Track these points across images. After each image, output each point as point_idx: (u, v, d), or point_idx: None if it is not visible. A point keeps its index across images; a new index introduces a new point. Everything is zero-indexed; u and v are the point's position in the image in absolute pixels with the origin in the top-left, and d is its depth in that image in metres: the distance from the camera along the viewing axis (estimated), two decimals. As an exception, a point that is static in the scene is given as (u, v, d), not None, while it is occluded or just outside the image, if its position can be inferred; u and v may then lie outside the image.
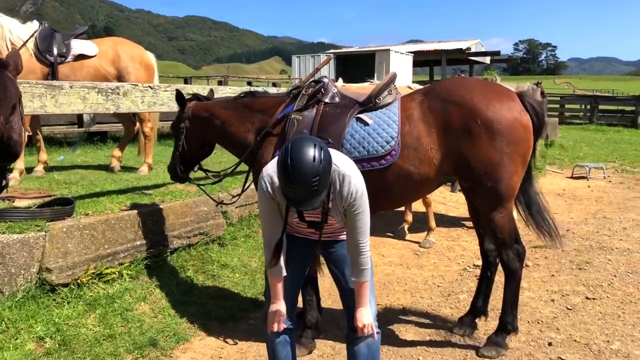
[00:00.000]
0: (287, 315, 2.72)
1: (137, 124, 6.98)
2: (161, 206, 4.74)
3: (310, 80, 3.85)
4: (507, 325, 3.58)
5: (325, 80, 3.69)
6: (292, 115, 3.55)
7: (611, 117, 24.15)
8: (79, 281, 3.92)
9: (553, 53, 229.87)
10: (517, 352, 3.61)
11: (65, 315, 3.68)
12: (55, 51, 6.07)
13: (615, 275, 5.02)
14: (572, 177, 10.54)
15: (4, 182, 2.61)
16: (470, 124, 3.29)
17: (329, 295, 4.54)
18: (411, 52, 18.60)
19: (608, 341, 3.74)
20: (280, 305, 2.65)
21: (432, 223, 6.27)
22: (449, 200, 8.19)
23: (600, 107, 24.70)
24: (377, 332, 2.70)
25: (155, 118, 7.24)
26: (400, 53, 17.17)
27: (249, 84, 16.94)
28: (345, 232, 2.67)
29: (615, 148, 14.32)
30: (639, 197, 8.66)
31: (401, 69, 16.05)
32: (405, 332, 3.98)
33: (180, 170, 4.22)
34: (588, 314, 4.21)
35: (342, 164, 2.52)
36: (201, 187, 4.41)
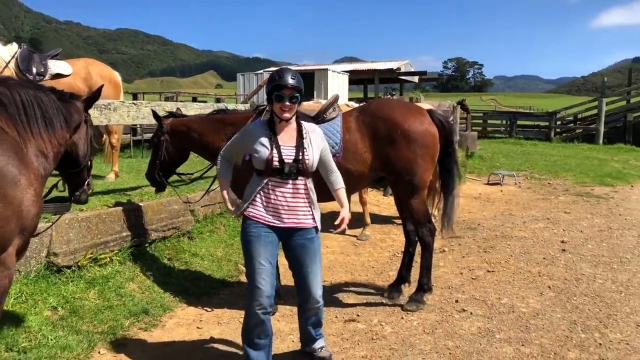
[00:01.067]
0: (270, 296, 3.36)
1: (105, 135, 7.74)
2: (141, 204, 5.60)
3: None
4: (423, 285, 4.72)
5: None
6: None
7: (528, 131, 26.40)
8: (79, 264, 4.74)
9: (480, 71, 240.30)
10: (432, 307, 4.74)
11: (71, 291, 4.49)
12: (34, 70, 6.79)
13: (511, 256, 6.32)
14: (488, 184, 12.03)
15: (86, 184, 3.43)
16: (393, 133, 4.43)
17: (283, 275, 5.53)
18: (347, 72, 19.99)
19: (499, 298, 4.95)
20: (230, 193, 3.71)
21: (368, 219, 7.40)
22: (381, 202, 9.37)
23: (519, 122, 26.94)
24: (321, 304, 3.56)
25: (120, 130, 8.03)
26: (337, 72, 18.50)
27: (194, 99, 17.72)
28: (307, 217, 3.43)
29: (528, 159, 16.07)
30: (541, 199, 10.18)
31: (338, 87, 17.33)
32: (347, 298, 5.03)
33: (159, 176, 5.14)
34: (487, 281, 5.43)
35: (313, 125, 3.64)
36: (175, 188, 5.34)
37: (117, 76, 7.75)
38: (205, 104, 9.96)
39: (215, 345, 4.11)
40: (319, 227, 3.52)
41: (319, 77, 17.16)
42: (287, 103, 3.32)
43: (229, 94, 20.91)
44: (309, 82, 16.89)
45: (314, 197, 3.49)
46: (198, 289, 5.20)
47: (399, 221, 7.85)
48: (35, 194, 2.63)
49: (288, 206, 3.40)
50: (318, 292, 3.52)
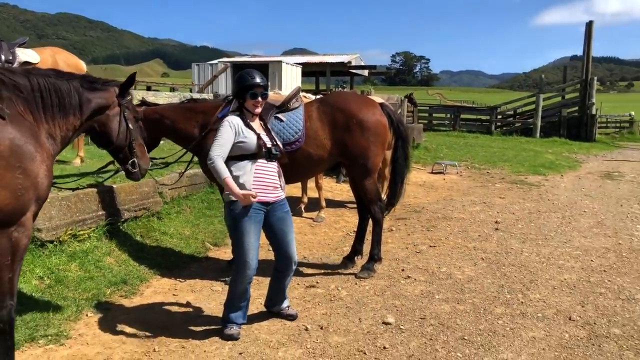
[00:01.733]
0: (255, 270, 3.97)
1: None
2: (114, 186, 6.00)
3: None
4: (374, 256, 5.38)
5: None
6: (230, 115, 5.08)
7: (471, 125, 27.72)
8: (60, 239, 5.13)
9: (427, 65, 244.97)
10: (382, 274, 5.41)
11: (55, 263, 4.89)
12: (2, 58, 7.01)
13: (450, 233, 7.08)
14: (432, 173, 12.88)
15: (129, 163, 3.80)
16: (349, 122, 5.04)
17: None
18: (299, 64, 20.54)
19: (439, 267, 5.68)
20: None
21: (323, 203, 8.01)
22: (334, 189, 10.01)
23: (462, 116, 28.25)
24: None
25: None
26: (290, 64, 19.03)
27: (149, 88, 17.85)
28: (282, 190, 4.11)
29: (469, 150, 17.11)
30: (479, 186, 11.08)
31: (291, 79, 17.87)
32: (307, 269, 5.62)
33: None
34: (429, 254, 6.15)
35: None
36: (149, 173, 5.76)
37: (82, 65, 8.03)
38: (173, 92, 10.30)
39: (191, 309, 4.61)
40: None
41: (273, 69, 17.64)
42: (260, 99, 3.99)
43: (185, 84, 21.06)
44: (263, 74, 17.18)
45: (281, 172, 4.19)
46: (170, 263, 5.67)
47: (351, 205, 8.53)
48: (47, 169, 3.08)
49: (272, 183, 4.03)
50: (295, 257, 4.19)
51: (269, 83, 17.07)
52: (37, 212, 3.12)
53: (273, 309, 4.39)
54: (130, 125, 3.64)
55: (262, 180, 3.98)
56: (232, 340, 3.93)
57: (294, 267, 4.22)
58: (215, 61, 19.94)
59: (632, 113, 32.90)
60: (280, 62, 18.26)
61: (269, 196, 4.01)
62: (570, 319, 4.45)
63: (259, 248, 4.05)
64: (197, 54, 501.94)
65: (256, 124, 4.11)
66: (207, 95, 10.41)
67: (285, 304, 4.36)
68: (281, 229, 4.10)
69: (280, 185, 4.12)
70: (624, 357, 3.82)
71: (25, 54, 7.28)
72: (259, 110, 4.04)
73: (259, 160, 3.97)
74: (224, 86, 17.18)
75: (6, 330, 2.98)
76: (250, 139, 3.94)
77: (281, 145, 4.16)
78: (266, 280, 4.62)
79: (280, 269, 4.24)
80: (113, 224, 5.84)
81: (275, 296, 4.35)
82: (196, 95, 9.34)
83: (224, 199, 4.09)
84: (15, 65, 7.12)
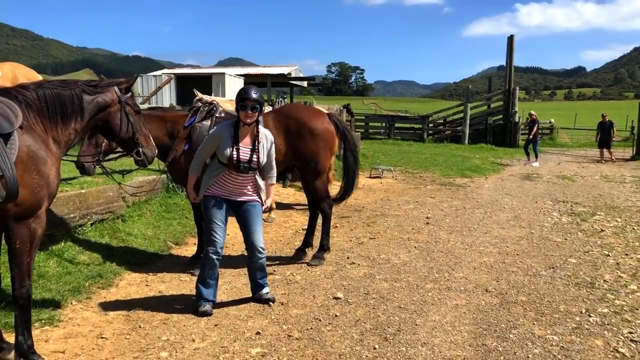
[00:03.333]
0: (221, 246, 4.68)
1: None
2: (83, 191, 6.52)
3: (205, 101, 6.03)
4: (324, 246, 6.18)
5: (215, 102, 5.97)
6: (196, 124, 5.75)
7: (405, 133, 29.15)
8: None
9: (362, 76, 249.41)
10: (330, 262, 6.22)
11: (35, 261, 5.34)
12: (-35, 72, 7.37)
13: (388, 228, 8.00)
14: (370, 177, 13.86)
15: (134, 152, 4.31)
16: (301, 130, 5.83)
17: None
18: (242, 75, 21.23)
19: (379, 255, 6.55)
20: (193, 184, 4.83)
21: (273, 205, 8.74)
22: (281, 193, 10.75)
23: (397, 125, 29.67)
24: (264, 255, 4.84)
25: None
26: (233, 76, 19.68)
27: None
28: (250, 193, 4.69)
29: (403, 156, 18.28)
30: (413, 188, 12.14)
31: (234, 90, 18.46)
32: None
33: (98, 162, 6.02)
34: (370, 245, 7.02)
35: (267, 130, 4.86)
36: (111, 177, 6.30)
37: (40, 78, 8.43)
38: None
39: (164, 295, 5.23)
40: (262, 202, 4.81)
41: (216, 80, 18.22)
42: (249, 112, 4.50)
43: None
44: (207, 85, 17.92)
45: (261, 183, 4.76)
46: (138, 260, 6.24)
47: (298, 207, 9.32)
48: (56, 171, 3.68)
49: (239, 190, 4.66)
50: (259, 244, 4.76)
51: (212, 94, 17.65)
52: (49, 206, 3.71)
53: (254, 295, 4.96)
54: (131, 119, 4.20)
55: (226, 186, 4.64)
56: (207, 316, 4.60)
57: (260, 255, 4.78)
58: (159, 72, 20.27)
59: (552, 120, 35.32)
60: (224, 74, 18.90)
61: (230, 196, 4.67)
62: (486, 290, 5.39)
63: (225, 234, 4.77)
64: (128, 63, 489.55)
65: (247, 137, 4.62)
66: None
67: (265, 290, 4.94)
68: (246, 219, 4.74)
69: (254, 193, 4.73)
70: (527, 316, 4.76)
71: (-13, 69, 7.64)
72: (249, 120, 4.52)
73: (229, 170, 4.59)
74: (168, 98, 17.60)
75: (25, 305, 3.56)
76: (225, 150, 4.53)
77: (260, 162, 4.63)
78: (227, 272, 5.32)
79: (248, 255, 4.88)
80: (83, 225, 6.36)
81: (253, 281, 4.94)
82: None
83: (192, 197, 4.88)
84: (-23, 80, 7.48)
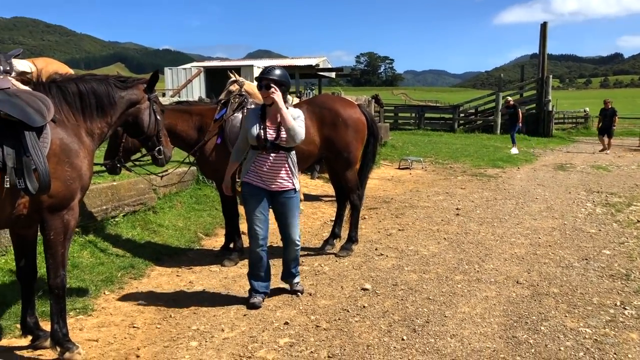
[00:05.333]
0: (264, 238, 4.65)
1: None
2: (115, 183, 6.65)
3: (235, 93, 6.05)
4: (352, 237, 6.17)
5: (245, 93, 5.99)
6: (229, 116, 5.77)
7: (435, 123, 28.84)
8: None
9: (391, 66, 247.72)
10: (358, 253, 6.21)
11: (70, 252, 5.49)
12: (1, 69, 7.55)
13: (417, 219, 7.94)
14: (399, 168, 13.77)
15: (156, 150, 4.36)
16: (336, 120, 5.81)
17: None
18: (270, 67, 21.28)
19: (407, 246, 6.51)
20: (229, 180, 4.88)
21: (301, 196, 8.76)
22: (310, 184, 10.78)
23: (427, 115, 29.37)
24: (299, 245, 4.86)
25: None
26: (262, 68, 19.72)
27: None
28: (287, 182, 4.57)
29: (433, 147, 18.11)
30: (442, 179, 12.02)
31: (263, 82, 18.57)
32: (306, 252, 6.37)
33: (120, 162, 5.92)
34: (399, 237, 6.98)
35: (296, 109, 4.71)
36: (138, 172, 6.36)
37: (71, 71, 8.58)
38: (164, 97, 10.88)
39: (194, 286, 5.30)
40: (297, 189, 4.70)
41: (245, 72, 18.27)
42: (264, 90, 4.48)
43: (157, 89, 21.24)
44: (235, 77, 17.93)
45: (294, 167, 4.65)
46: (169, 251, 6.34)
47: (326, 199, 9.33)
48: (89, 163, 3.75)
49: (271, 174, 4.56)
50: (295, 237, 4.76)
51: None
52: (82, 199, 3.79)
53: (285, 281, 5.01)
54: (158, 117, 4.26)
55: (261, 170, 4.58)
56: (255, 309, 4.58)
57: (295, 248, 4.79)
58: (189, 65, 20.47)
59: (587, 109, 34.50)
60: (252, 66, 19.00)
61: (265, 184, 4.58)
62: (517, 282, 5.31)
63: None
64: (159, 57, 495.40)
65: (275, 116, 4.53)
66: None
67: (296, 280, 4.96)
68: (281, 212, 4.70)
69: (288, 179, 4.61)
70: (559, 308, 4.67)
71: (21, 65, 7.80)
72: (267, 101, 4.50)
73: (260, 152, 4.56)
74: (198, 90, 17.75)
75: (60, 294, 3.65)
76: (252, 130, 4.52)
77: (291, 140, 4.50)
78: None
79: (284, 245, 4.89)
80: (115, 217, 6.49)
81: (285, 269, 4.96)
82: (166, 101, 9.91)
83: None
84: (13, 75, 7.67)
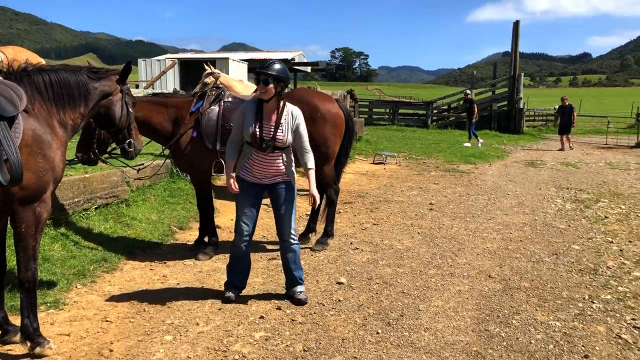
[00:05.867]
0: (249, 234, 4.56)
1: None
2: (87, 175, 6.54)
3: (212, 86, 5.99)
4: (328, 232, 6.19)
5: (223, 86, 5.94)
6: (205, 109, 5.71)
7: (409, 119, 29.01)
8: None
9: (366, 61, 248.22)
10: (333, 247, 6.24)
11: (40, 244, 5.39)
12: (-32, 57, 7.36)
13: (391, 214, 8.00)
14: (373, 163, 13.84)
15: (126, 143, 4.29)
16: (314, 115, 5.80)
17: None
18: (245, 60, 21.15)
19: (382, 240, 6.56)
20: (233, 175, 4.50)
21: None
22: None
23: (400, 111, 29.54)
24: (297, 242, 4.63)
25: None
26: (237, 61, 19.62)
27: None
28: (281, 174, 4.45)
29: (407, 143, 18.25)
30: (416, 174, 12.13)
31: (238, 75, 18.43)
32: (268, 245, 6.36)
33: (94, 154, 5.79)
34: (373, 231, 7.03)
35: (295, 106, 4.58)
36: (110, 163, 6.25)
37: (43, 62, 8.41)
38: (137, 89, 10.71)
39: (168, 279, 5.26)
40: (294, 182, 4.57)
41: (220, 65, 18.10)
42: (262, 85, 4.31)
43: (128, 80, 20.84)
44: (210, 70, 17.78)
45: (291, 166, 4.52)
46: (142, 244, 6.26)
47: (302, 193, 9.29)
48: (62, 155, 3.68)
49: (266, 171, 4.45)
50: (291, 230, 4.57)
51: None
52: (54, 191, 3.72)
53: (287, 291, 4.70)
54: (130, 109, 4.20)
55: (255, 168, 4.46)
56: (229, 303, 4.53)
57: (291, 241, 4.57)
58: (163, 57, 20.20)
59: (557, 106, 35.11)
60: (227, 58, 18.83)
61: (259, 180, 4.48)
62: (489, 276, 5.40)
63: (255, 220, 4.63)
64: (132, 48, 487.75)
65: (272, 113, 4.40)
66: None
67: (299, 288, 4.65)
68: (277, 202, 4.56)
69: (284, 176, 4.50)
70: (530, 302, 4.76)
71: (-9, 53, 7.64)
72: (264, 96, 4.33)
73: (255, 149, 4.41)
74: (172, 82, 17.54)
75: (31, 288, 3.58)
76: (249, 127, 4.36)
77: (284, 139, 4.39)
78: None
79: (279, 240, 4.69)
80: (87, 209, 6.39)
81: (286, 275, 4.70)
82: (140, 92, 9.78)
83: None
84: (-19, 63, 7.48)
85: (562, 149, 19.33)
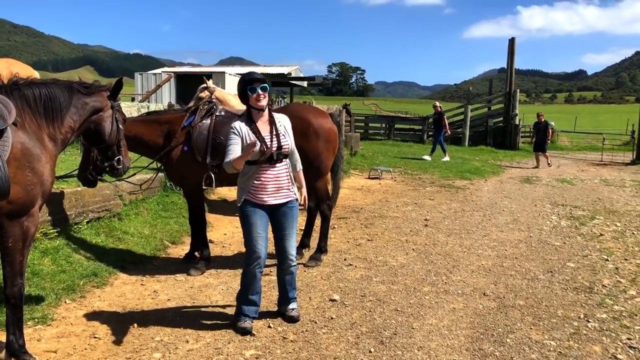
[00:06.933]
0: (264, 259, 4.26)
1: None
2: (79, 189, 6.47)
3: (205, 100, 5.98)
4: (322, 247, 6.14)
5: (215, 100, 5.92)
6: (197, 123, 5.69)
7: (405, 134, 29.05)
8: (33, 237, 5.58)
9: (362, 76, 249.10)
10: (327, 263, 6.17)
11: (30, 258, 5.32)
12: (-40, 69, 7.32)
13: (386, 229, 7.96)
14: (369, 178, 13.81)
15: (115, 160, 4.23)
16: (307, 130, 5.77)
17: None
18: (242, 74, 21.21)
19: (376, 257, 6.50)
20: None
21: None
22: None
23: (396, 126, 29.58)
24: (296, 264, 4.47)
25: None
26: (233, 75, 19.66)
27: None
28: (289, 192, 4.28)
29: (403, 158, 18.22)
30: (411, 189, 12.09)
31: (234, 88, 18.47)
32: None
33: (92, 175, 5.72)
34: (368, 247, 6.98)
35: (281, 114, 4.49)
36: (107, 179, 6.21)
37: (37, 74, 8.38)
38: (132, 102, 10.68)
39: (159, 295, 5.19)
40: (298, 198, 4.42)
41: (216, 79, 18.15)
42: (260, 92, 4.16)
43: (124, 93, 21.03)
44: (207, 84, 17.83)
45: (292, 175, 4.39)
46: (134, 259, 6.19)
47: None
48: (51, 168, 3.64)
49: (280, 185, 4.24)
50: (292, 250, 4.40)
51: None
52: (42, 205, 3.67)
53: (280, 308, 4.60)
54: (120, 126, 4.17)
55: (264, 184, 4.20)
56: (246, 334, 4.22)
57: (290, 263, 4.40)
58: (159, 70, 20.22)
59: (552, 123, 35.21)
60: (224, 72, 18.89)
61: (273, 197, 4.24)
62: (484, 294, 5.34)
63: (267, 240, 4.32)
64: (129, 61, 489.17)
65: (265, 124, 4.26)
66: (156, 106, 10.87)
67: (292, 306, 4.55)
68: (280, 221, 4.33)
69: (290, 188, 4.33)
70: (525, 320, 4.71)
71: (-17, 65, 7.60)
72: (262, 103, 4.18)
73: (262, 165, 4.19)
74: (167, 96, 17.54)
75: (17, 304, 3.52)
76: (242, 137, 4.17)
77: (290, 146, 4.30)
78: (223, 272, 5.27)
79: (278, 261, 4.49)
80: (79, 223, 6.32)
81: (280, 294, 4.59)
82: (135, 106, 9.80)
83: (237, 203, 4.34)
84: (-26, 75, 7.44)
85: (537, 167, 18.68)
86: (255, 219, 4.23)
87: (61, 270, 5.40)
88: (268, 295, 5.10)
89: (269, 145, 4.19)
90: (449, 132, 19.34)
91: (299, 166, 4.56)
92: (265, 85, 4.23)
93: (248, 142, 4.11)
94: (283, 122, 4.42)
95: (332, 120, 6.07)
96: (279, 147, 4.24)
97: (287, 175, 4.33)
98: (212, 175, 5.66)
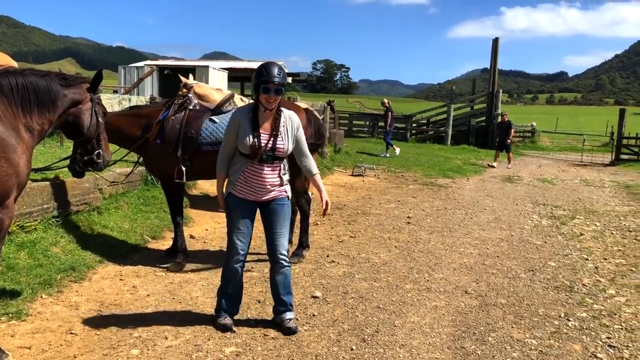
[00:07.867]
0: (242, 256, 4.17)
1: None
2: (58, 182, 6.35)
3: (182, 94, 5.93)
4: (303, 243, 6.10)
5: (190, 94, 5.87)
6: (170, 117, 5.66)
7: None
8: (9, 230, 5.45)
9: (347, 74, 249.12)
10: (309, 260, 6.14)
11: (5, 252, 5.21)
12: None
13: (369, 226, 7.94)
14: (352, 175, 13.80)
15: (95, 154, 4.16)
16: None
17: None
18: (225, 69, 21.04)
19: (359, 253, 6.48)
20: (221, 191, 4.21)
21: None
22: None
23: (380, 123, 29.62)
24: (289, 264, 4.26)
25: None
26: (217, 69, 19.50)
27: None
28: (280, 192, 4.11)
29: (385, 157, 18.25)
30: (395, 187, 12.11)
31: (218, 83, 18.31)
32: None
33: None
34: (350, 243, 6.95)
35: (292, 112, 4.21)
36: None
37: (14, 64, 8.19)
38: (115, 94, 10.52)
39: (138, 290, 5.09)
40: (290, 196, 4.24)
41: (200, 73, 18.00)
42: (273, 95, 3.91)
43: (106, 85, 20.77)
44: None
45: (286, 176, 4.19)
46: (113, 253, 6.09)
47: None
48: (27, 159, 3.54)
49: (264, 185, 4.05)
50: (283, 250, 4.20)
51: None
52: (17, 197, 3.57)
53: (275, 317, 4.35)
54: (100, 119, 4.08)
55: (250, 181, 4.06)
56: (227, 331, 4.14)
57: (283, 263, 4.22)
58: (142, 64, 19.99)
59: (534, 123, 35.59)
60: (207, 67, 18.73)
61: (256, 196, 4.09)
62: (466, 292, 5.35)
63: (250, 237, 4.26)
64: (111, 54, 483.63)
65: (268, 122, 4.04)
66: (138, 99, 10.72)
67: (288, 315, 4.28)
68: (270, 220, 4.19)
69: (281, 188, 4.16)
70: (506, 319, 4.72)
71: (-41, 54, 7.41)
72: (271, 105, 3.95)
73: (252, 161, 4.02)
74: (150, 89, 17.35)
75: (-11, 298, 3.42)
76: (245, 138, 3.97)
77: (285, 149, 4.06)
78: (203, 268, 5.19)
79: (270, 262, 4.33)
80: (57, 217, 6.19)
81: (274, 299, 4.34)
82: (116, 98, 9.65)
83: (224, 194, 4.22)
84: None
85: (493, 166, 18.40)
86: (238, 214, 4.11)
87: (38, 265, 5.28)
88: (249, 291, 5.05)
89: (262, 144, 3.99)
90: (388, 128, 19.51)
91: (315, 170, 4.29)
92: (281, 88, 3.95)
93: (242, 135, 3.98)
94: (290, 122, 4.14)
95: (305, 116, 6.01)
96: (273, 148, 4.02)
97: (277, 176, 4.13)
98: (183, 169, 5.67)
